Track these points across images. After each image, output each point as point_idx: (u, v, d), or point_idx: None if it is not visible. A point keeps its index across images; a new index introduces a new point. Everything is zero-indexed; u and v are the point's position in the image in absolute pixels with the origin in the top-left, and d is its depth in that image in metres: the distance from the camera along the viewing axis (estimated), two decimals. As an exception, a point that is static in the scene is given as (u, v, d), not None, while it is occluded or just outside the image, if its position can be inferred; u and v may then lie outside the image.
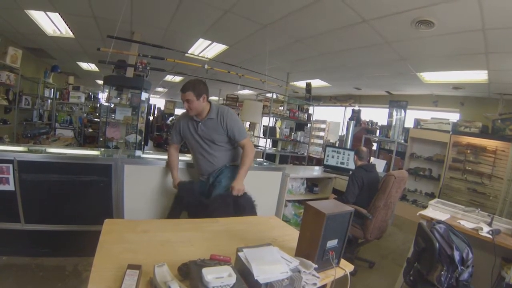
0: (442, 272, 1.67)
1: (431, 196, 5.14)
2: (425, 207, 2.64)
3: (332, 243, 1.18)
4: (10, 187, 2.08)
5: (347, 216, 1.21)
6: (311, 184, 3.77)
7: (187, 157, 2.58)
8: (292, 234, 1.52)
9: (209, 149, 2.11)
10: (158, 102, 14.26)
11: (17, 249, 2.24)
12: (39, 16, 4.40)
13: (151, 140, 11.18)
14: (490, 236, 1.99)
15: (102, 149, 3.74)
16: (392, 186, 2.68)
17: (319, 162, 6.65)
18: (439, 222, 1.93)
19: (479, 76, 4.35)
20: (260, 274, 0.91)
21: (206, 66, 4.74)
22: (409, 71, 4.81)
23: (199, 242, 1.32)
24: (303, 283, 0.99)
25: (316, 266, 1.09)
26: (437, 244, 1.69)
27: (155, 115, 13.10)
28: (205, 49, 5.30)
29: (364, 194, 2.94)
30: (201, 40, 4.87)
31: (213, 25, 4.07)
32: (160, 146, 10.58)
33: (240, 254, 1.02)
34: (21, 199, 2.12)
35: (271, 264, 0.98)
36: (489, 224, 2.20)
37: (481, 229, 2.09)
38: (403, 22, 3.10)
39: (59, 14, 4.21)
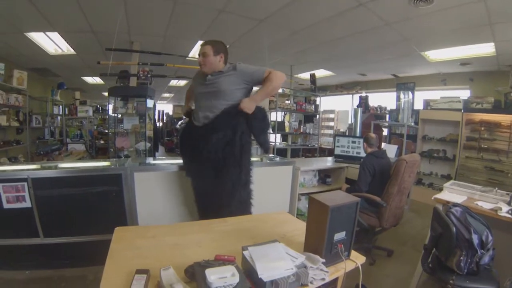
0: (461, 257, 1.61)
1: (447, 178, 4.99)
2: (442, 189, 2.56)
3: (339, 235, 1.14)
4: (27, 204, 2.15)
5: (353, 206, 1.16)
6: (324, 175, 3.72)
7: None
8: (302, 229, 1.49)
9: (212, 100, 1.91)
10: (166, 107, 14.41)
11: (39, 262, 2.32)
12: (39, 37, 4.50)
13: (162, 146, 11.30)
14: (510, 216, 1.91)
15: (113, 160, 3.82)
16: (404, 171, 2.62)
17: (331, 152, 6.56)
18: (455, 205, 1.86)
19: (486, 49, 4.19)
20: (264, 272, 0.90)
21: (206, 68, 4.74)
22: (414, 51, 4.68)
23: (207, 243, 1.32)
24: (311, 278, 0.97)
25: (324, 260, 1.06)
26: (454, 228, 1.64)
27: (164, 121, 13.23)
28: (205, 50, 5.30)
29: (376, 181, 2.88)
30: (200, 42, 4.88)
31: (210, 26, 4.07)
32: (172, 150, 10.69)
33: (245, 252, 1.01)
34: (38, 214, 2.20)
35: (275, 261, 0.96)
36: (509, 203, 2.10)
37: (500, 209, 2.00)
38: (401, 1, 3.01)
39: (58, 33, 4.30)
